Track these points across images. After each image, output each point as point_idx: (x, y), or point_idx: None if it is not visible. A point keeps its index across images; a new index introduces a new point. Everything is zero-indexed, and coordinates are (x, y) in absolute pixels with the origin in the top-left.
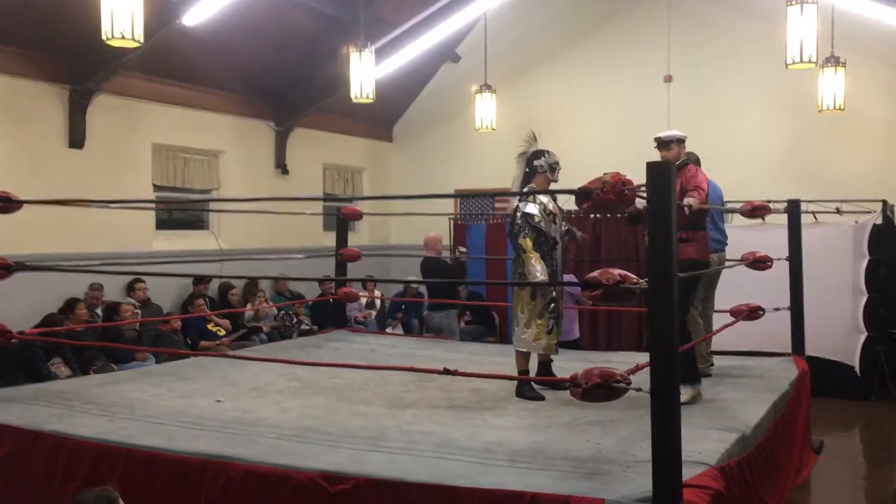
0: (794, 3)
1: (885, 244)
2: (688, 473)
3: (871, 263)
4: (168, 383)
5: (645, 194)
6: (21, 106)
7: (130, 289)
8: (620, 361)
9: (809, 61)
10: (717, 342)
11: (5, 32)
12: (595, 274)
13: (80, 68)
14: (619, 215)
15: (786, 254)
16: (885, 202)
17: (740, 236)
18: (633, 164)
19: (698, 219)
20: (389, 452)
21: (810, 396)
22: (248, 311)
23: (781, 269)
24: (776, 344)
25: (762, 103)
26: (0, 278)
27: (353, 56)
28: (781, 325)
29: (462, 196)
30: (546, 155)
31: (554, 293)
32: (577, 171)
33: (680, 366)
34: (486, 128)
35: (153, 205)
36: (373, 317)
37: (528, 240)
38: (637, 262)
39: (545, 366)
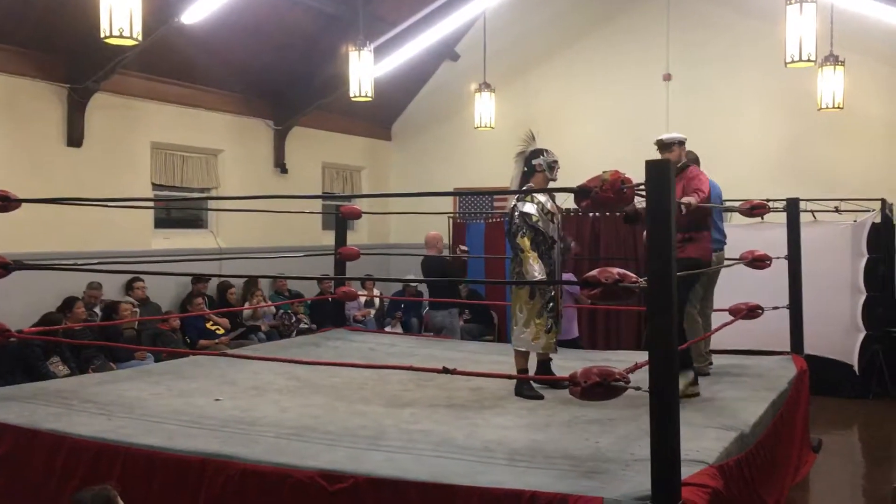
0: (793, 2)
1: (883, 243)
2: (686, 472)
3: (870, 262)
4: (167, 382)
5: (643, 193)
6: (20, 105)
7: (129, 288)
8: (619, 360)
9: (808, 60)
10: (716, 341)
11: (4, 31)
12: (594, 273)
13: (79, 67)
14: (617, 214)
15: (785, 252)
16: (883, 201)
17: (739, 235)
18: (632, 162)
19: (701, 219)
20: (388, 451)
21: (809, 395)
22: (246, 309)
23: (780, 268)
24: (775, 342)
25: (761, 102)
26: None
27: (352, 55)
28: (780, 324)
29: (461, 194)
30: (545, 154)
31: (553, 292)
32: (576, 170)
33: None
34: (486, 126)
35: (152, 203)
36: (372, 316)
37: (525, 239)
38: (636, 261)
39: (544, 365)
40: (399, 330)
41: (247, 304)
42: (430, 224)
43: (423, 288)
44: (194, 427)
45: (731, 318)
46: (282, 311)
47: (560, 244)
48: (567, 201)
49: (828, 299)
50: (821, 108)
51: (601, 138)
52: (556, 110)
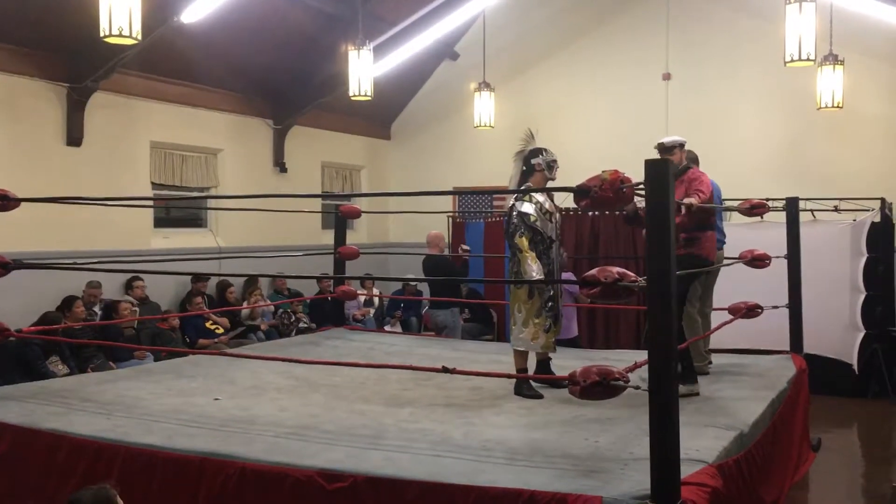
0: (792, 1)
1: (882, 242)
2: (686, 471)
3: (869, 261)
4: (166, 381)
5: (643, 192)
6: (19, 104)
7: (128, 287)
8: (619, 359)
9: (808, 59)
10: (716, 340)
11: (3, 30)
12: (593, 272)
13: (79, 66)
14: (617, 213)
15: (784, 252)
16: (883, 200)
17: (739, 234)
18: (631, 161)
19: (705, 219)
20: (387, 450)
21: (808, 394)
22: (244, 308)
23: (780, 267)
24: (774, 342)
25: (761, 101)
26: None
27: (352, 54)
28: (780, 323)
29: (460, 194)
30: (544, 153)
31: (551, 292)
32: (575, 169)
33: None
34: (485, 125)
35: (151, 203)
36: (371, 315)
37: (523, 239)
38: (635, 260)
39: (543, 364)
40: (398, 329)
41: (245, 304)
42: (430, 223)
43: (422, 287)
44: (193, 426)
45: (731, 317)
46: (281, 310)
47: (558, 241)
48: (566, 201)
49: (827, 298)
50: (820, 108)
51: (600, 137)
52: (555, 109)
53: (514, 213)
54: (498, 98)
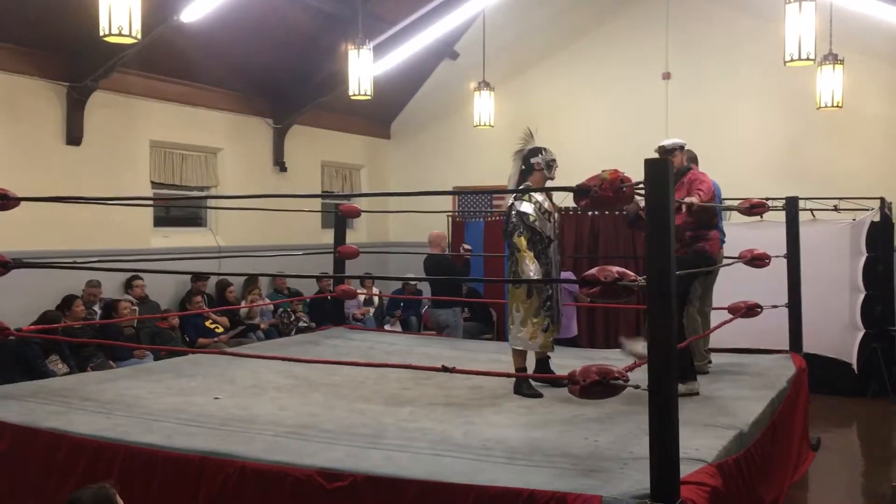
0: (792, 0)
1: (882, 241)
2: (685, 470)
3: (869, 261)
4: (166, 380)
5: (643, 192)
6: (18, 103)
7: (128, 286)
8: (618, 359)
9: (808, 59)
10: (715, 339)
11: (3, 29)
12: (593, 271)
13: (78, 65)
14: (616, 212)
15: (784, 251)
16: (882, 199)
17: (738, 234)
18: (631, 161)
19: (709, 219)
20: (387, 450)
21: (808, 393)
22: (242, 308)
23: (779, 267)
24: (774, 341)
25: (760, 101)
26: None
27: (352, 53)
28: (779, 323)
29: (460, 193)
30: (543, 152)
31: (550, 291)
32: (575, 169)
33: (678, 363)
34: (485, 125)
35: (151, 202)
36: (371, 314)
37: (522, 238)
38: (635, 260)
39: (543, 363)
40: (398, 328)
41: (243, 303)
42: (430, 223)
43: (422, 286)
44: (193, 425)
45: (731, 316)
46: (281, 309)
47: (557, 241)
48: (566, 200)
49: (827, 298)
50: (820, 107)
51: (600, 137)
52: (555, 109)
53: (513, 212)
54: (498, 97)
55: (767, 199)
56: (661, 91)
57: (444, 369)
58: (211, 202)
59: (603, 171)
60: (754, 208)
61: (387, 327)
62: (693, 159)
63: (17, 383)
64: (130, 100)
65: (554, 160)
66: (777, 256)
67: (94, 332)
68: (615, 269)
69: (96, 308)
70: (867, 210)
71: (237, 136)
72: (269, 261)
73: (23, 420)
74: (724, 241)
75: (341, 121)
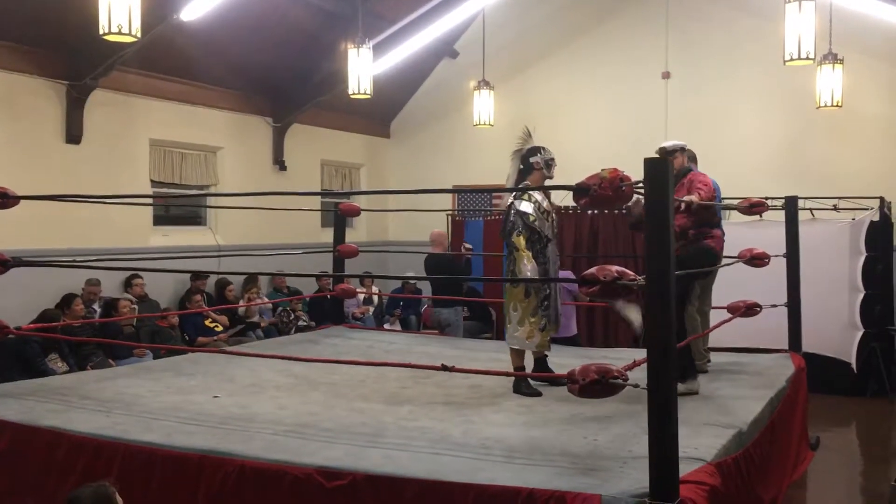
0: None
1: (881, 241)
2: (684, 469)
3: (868, 260)
4: (165, 379)
5: (642, 191)
6: (18, 101)
7: (128, 284)
8: (618, 357)
9: (807, 58)
10: (715, 338)
11: (2, 27)
12: (592, 270)
13: (78, 64)
14: (616, 211)
15: (783, 250)
16: (882, 199)
17: (738, 233)
18: (631, 160)
19: (709, 218)
20: (386, 448)
21: (807, 393)
22: (240, 307)
23: (779, 266)
24: (773, 340)
25: (760, 100)
26: None
27: (351, 52)
28: (778, 322)
29: (460, 192)
30: (542, 151)
31: (548, 291)
32: (574, 168)
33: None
34: (484, 124)
35: (151, 200)
36: (370, 313)
37: (521, 238)
38: (634, 259)
39: (540, 362)
40: (398, 327)
41: (241, 302)
42: (429, 221)
43: (421, 285)
44: (192, 424)
45: (730, 315)
46: (280, 308)
47: (555, 241)
48: (566, 199)
49: (826, 297)
50: (819, 107)
51: (600, 136)
52: (555, 108)
53: (513, 211)
54: (497, 96)
55: (767, 198)
56: (661, 90)
57: (444, 368)
58: (210, 201)
59: (602, 170)
60: (754, 207)
61: (386, 326)
62: (692, 159)
63: (17, 381)
64: (130, 98)
65: (553, 159)
66: (776, 256)
67: (93, 331)
68: (614, 268)
69: (96, 306)
70: (866, 209)
71: (237, 134)
72: (268, 260)
73: (22, 418)
74: (723, 241)
75: (341, 119)
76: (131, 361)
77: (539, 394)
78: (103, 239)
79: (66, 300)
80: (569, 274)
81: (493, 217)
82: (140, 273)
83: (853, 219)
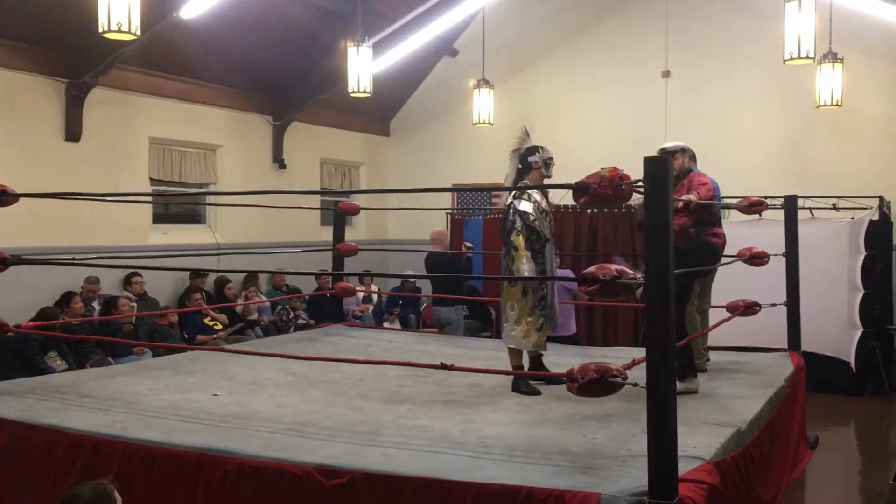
0: None
1: (881, 240)
2: (683, 468)
3: (868, 259)
4: (165, 377)
5: (642, 190)
6: (17, 99)
7: (127, 282)
8: (617, 356)
9: (807, 57)
10: (714, 337)
11: (2, 26)
12: (592, 269)
13: (77, 62)
14: (615, 210)
15: (782, 250)
16: (881, 198)
17: (737, 232)
18: (630, 159)
19: (709, 217)
20: (385, 447)
21: (806, 392)
22: (238, 305)
23: (778, 265)
24: (772, 339)
25: (760, 99)
26: None
27: (351, 50)
28: (778, 321)
29: (459, 191)
30: (540, 151)
31: (545, 290)
32: (574, 167)
33: (676, 362)
34: (484, 122)
35: (150, 198)
36: (370, 311)
37: (520, 237)
38: (633, 258)
39: (536, 361)
40: (397, 326)
41: (239, 300)
42: (429, 220)
43: (420, 284)
44: (192, 422)
45: (729, 314)
46: (280, 306)
47: (552, 240)
48: (565, 198)
49: (825, 296)
50: (819, 106)
51: (600, 135)
52: (554, 107)
53: (512, 210)
54: (497, 95)
55: (766, 197)
56: (661, 89)
57: (443, 367)
58: (210, 199)
59: (602, 169)
60: (753, 206)
61: (386, 325)
62: (693, 159)
63: (16, 379)
64: (129, 96)
65: (551, 158)
66: (776, 255)
67: (92, 329)
68: (614, 266)
69: (95, 304)
70: (866, 209)
71: (236, 132)
72: (267, 258)
73: (21, 416)
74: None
75: (340, 118)
76: (130, 359)
77: (538, 392)
78: (103, 237)
79: (66, 298)
80: (568, 273)
81: (492, 216)
82: (139, 271)
83: (852, 218)
